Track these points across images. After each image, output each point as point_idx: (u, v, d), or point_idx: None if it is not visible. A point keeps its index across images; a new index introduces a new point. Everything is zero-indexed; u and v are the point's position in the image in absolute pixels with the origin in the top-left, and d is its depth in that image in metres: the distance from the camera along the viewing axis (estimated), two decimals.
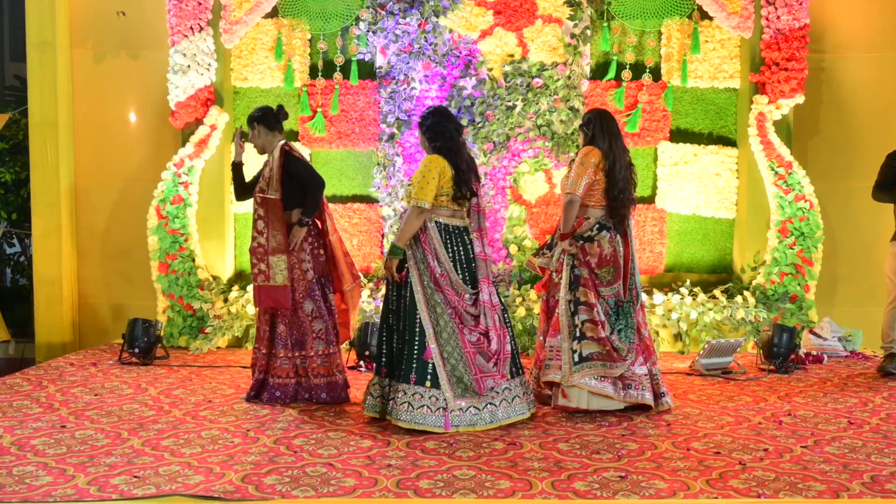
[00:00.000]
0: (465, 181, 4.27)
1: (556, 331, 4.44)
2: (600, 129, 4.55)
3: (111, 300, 6.71)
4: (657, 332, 6.15)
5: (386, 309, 4.33)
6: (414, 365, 4.08)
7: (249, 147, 5.08)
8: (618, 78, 6.46)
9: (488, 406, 4.13)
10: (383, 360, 4.28)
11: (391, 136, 6.47)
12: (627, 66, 6.45)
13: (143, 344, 5.69)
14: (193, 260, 6.34)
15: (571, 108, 6.41)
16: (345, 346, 5.98)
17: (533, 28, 6.45)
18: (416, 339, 4.12)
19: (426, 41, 6.40)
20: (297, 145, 6.56)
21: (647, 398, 4.37)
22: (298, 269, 4.60)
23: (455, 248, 4.26)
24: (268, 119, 4.75)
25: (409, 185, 4.33)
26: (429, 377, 4.07)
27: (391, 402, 4.12)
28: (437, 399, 4.04)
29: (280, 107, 4.82)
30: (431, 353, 4.09)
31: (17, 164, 7.08)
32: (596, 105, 6.39)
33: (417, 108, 6.43)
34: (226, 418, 4.24)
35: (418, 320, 4.14)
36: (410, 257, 4.22)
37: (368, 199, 6.62)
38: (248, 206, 6.60)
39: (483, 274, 4.28)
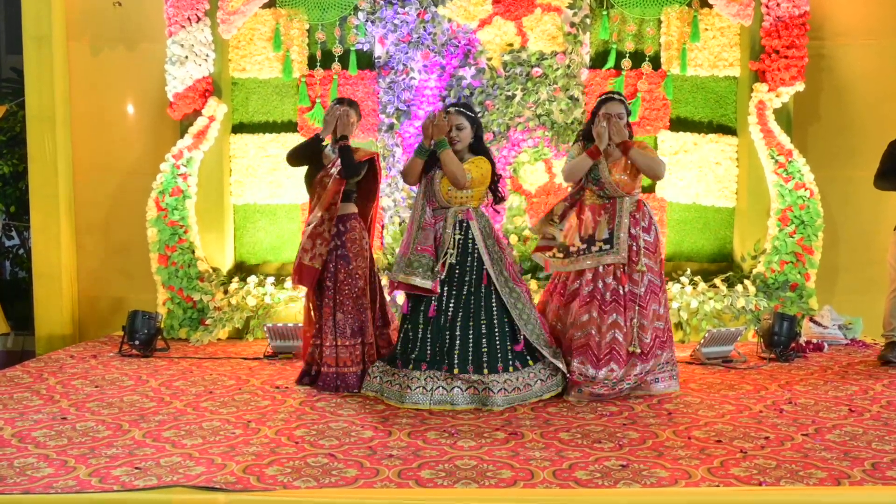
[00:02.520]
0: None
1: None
2: None
3: (111, 292, 6.70)
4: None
5: (459, 308, 4.45)
6: (490, 358, 4.39)
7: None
8: (617, 67, 6.44)
9: None
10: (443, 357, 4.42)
11: (390, 127, 6.45)
12: (627, 55, 6.43)
13: (143, 336, 5.68)
14: (193, 252, 6.33)
15: (571, 98, 6.39)
16: None
17: (532, 17, 6.42)
18: (508, 330, 4.44)
19: (425, 31, 6.38)
20: (295, 136, 6.58)
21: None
22: (345, 253, 4.73)
23: None
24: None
25: (469, 175, 4.44)
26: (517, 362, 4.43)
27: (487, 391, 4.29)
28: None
29: None
30: (523, 345, 4.44)
31: (15, 156, 7.07)
32: (596, 94, 6.39)
33: (416, 98, 6.41)
34: (227, 409, 4.24)
35: (505, 316, 4.45)
36: (486, 256, 4.46)
37: None
38: (248, 197, 6.63)
39: None
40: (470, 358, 4.37)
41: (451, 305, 4.45)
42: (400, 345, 4.54)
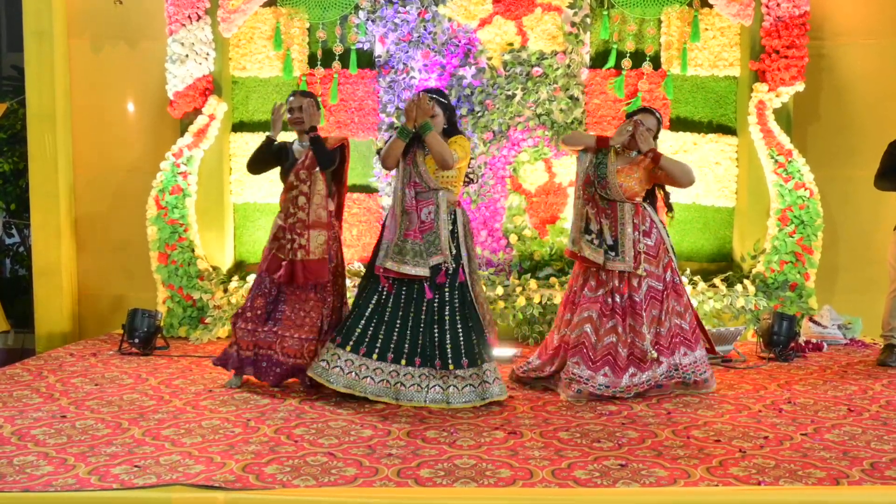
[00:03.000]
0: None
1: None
2: None
3: (111, 290, 6.70)
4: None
5: (426, 306, 4.41)
6: (480, 348, 4.39)
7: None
8: (618, 66, 6.44)
9: None
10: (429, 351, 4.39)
11: (391, 126, 6.45)
12: (627, 55, 6.43)
13: (142, 334, 5.68)
14: (193, 250, 6.33)
15: (571, 97, 6.39)
16: None
17: (532, 16, 6.42)
18: (474, 325, 4.43)
19: (425, 30, 6.38)
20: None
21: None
22: (338, 248, 4.78)
23: None
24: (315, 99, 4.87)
25: (455, 155, 4.41)
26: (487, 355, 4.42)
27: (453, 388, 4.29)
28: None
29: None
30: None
31: (16, 154, 7.07)
32: (596, 94, 6.40)
33: None
34: (226, 408, 4.24)
35: (475, 312, 4.46)
36: (464, 252, 4.47)
37: (368, 189, 6.60)
38: (248, 196, 6.63)
39: None
40: (463, 352, 4.34)
41: (435, 300, 4.41)
42: (371, 331, 4.40)
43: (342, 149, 4.80)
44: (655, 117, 4.68)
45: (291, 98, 4.78)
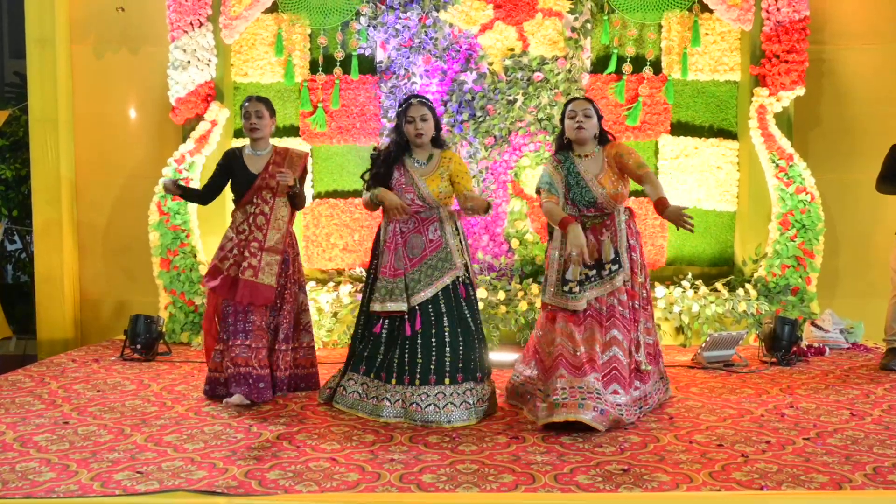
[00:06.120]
0: None
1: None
2: None
3: (113, 296, 6.71)
4: (659, 326, 6.14)
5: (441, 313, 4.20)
6: (480, 363, 4.25)
7: None
8: (618, 71, 6.46)
9: None
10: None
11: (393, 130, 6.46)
12: (628, 60, 6.45)
13: (144, 340, 5.69)
14: (195, 256, 6.33)
15: None
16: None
17: (533, 22, 6.44)
18: (483, 338, 4.34)
19: (426, 36, 6.39)
20: (297, 140, 6.61)
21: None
22: (297, 263, 4.78)
23: None
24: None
25: (467, 177, 4.34)
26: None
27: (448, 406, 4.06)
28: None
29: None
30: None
31: (18, 160, 7.09)
32: (597, 98, 6.40)
33: None
34: (228, 413, 4.25)
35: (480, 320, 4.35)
36: (469, 260, 4.35)
37: None
38: None
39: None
40: (460, 367, 4.15)
41: (431, 314, 4.23)
42: (378, 355, 4.27)
43: (304, 164, 4.73)
44: (585, 98, 4.33)
45: (247, 104, 4.61)
